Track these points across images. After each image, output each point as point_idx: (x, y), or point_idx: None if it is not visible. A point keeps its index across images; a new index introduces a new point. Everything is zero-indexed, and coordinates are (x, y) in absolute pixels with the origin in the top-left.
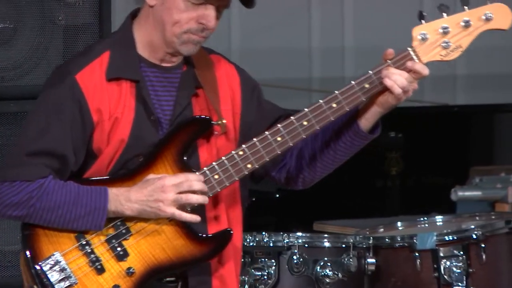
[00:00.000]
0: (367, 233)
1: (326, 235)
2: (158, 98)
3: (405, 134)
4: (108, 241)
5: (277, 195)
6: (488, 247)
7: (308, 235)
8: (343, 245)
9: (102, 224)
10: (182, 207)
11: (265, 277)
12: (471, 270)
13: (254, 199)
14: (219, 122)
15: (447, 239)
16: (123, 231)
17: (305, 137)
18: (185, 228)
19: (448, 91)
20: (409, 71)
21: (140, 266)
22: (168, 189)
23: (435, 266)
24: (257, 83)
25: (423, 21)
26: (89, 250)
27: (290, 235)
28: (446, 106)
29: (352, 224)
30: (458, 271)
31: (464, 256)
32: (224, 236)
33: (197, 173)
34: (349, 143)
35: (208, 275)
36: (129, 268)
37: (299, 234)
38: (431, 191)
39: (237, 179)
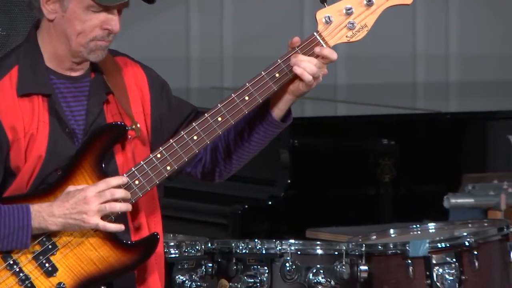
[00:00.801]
0: (360, 240)
1: (318, 243)
2: (71, 109)
3: (397, 141)
4: (36, 258)
5: (270, 202)
6: (480, 254)
7: (300, 242)
8: (336, 253)
9: (28, 242)
10: (106, 216)
11: (258, 284)
12: (463, 277)
13: (246, 206)
14: (133, 126)
15: (439, 246)
16: (49, 246)
17: (221, 133)
18: (111, 237)
19: (441, 98)
20: (317, 56)
21: (70, 280)
22: (91, 200)
23: (427, 273)
24: (165, 81)
25: (325, 4)
26: (17, 269)
27: (283, 242)
28: (439, 113)
29: (345, 231)
30: (451, 278)
31: (456, 264)
32: (152, 241)
33: (124, 175)
34: (263, 133)
35: (132, 283)
36: (59, 283)
37: (292, 241)
38: (423, 198)
39: (158, 182)
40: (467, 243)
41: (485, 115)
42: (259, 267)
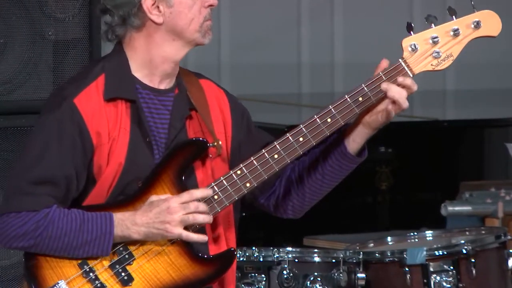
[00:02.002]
0: (357, 248)
1: (316, 250)
2: (154, 121)
3: (395, 149)
4: (112, 266)
5: None
6: (478, 262)
7: (298, 250)
8: (333, 260)
9: (109, 249)
10: (188, 227)
11: None
12: (461, 285)
13: (244, 214)
14: (215, 143)
15: (437, 254)
16: (126, 256)
17: (301, 153)
18: (188, 249)
19: (438, 106)
20: (398, 85)
21: None
22: (174, 210)
23: (425, 281)
24: (246, 109)
25: (411, 33)
26: (93, 277)
27: (280, 250)
28: (436, 121)
29: (342, 239)
30: (448, 286)
31: (454, 271)
32: (228, 256)
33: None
34: (337, 166)
35: None
36: None
37: (289, 249)
38: (421, 206)
39: (236, 198)
40: (464, 251)
41: (482, 122)
42: (256, 275)
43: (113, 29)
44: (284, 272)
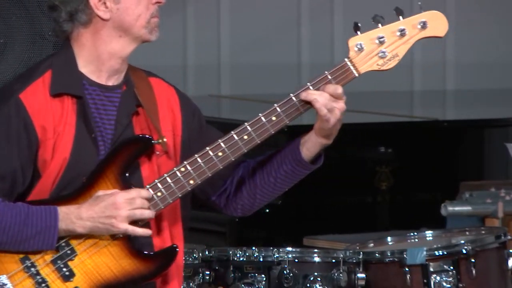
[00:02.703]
0: (357, 248)
1: (316, 250)
2: (101, 117)
3: (395, 149)
4: (53, 262)
5: (267, 210)
6: (478, 262)
7: (298, 250)
8: (333, 260)
9: (54, 243)
10: (133, 222)
11: None
12: (461, 285)
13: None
14: (160, 140)
15: (437, 254)
16: (68, 251)
17: (246, 151)
18: (130, 246)
19: (438, 106)
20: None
21: (87, 286)
22: (121, 205)
23: (425, 281)
24: (197, 107)
25: (358, 32)
26: (34, 272)
27: (280, 250)
28: (436, 121)
29: (342, 239)
30: (448, 286)
31: (454, 271)
32: (170, 253)
33: (147, 187)
34: (290, 172)
35: None
36: None
37: (289, 249)
38: (421, 206)
39: (180, 195)
40: (464, 251)
41: (482, 122)
42: (256, 275)
43: (60, 25)
44: (284, 272)
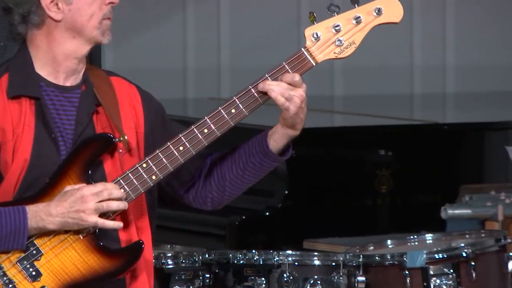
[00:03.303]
0: (357, 251)
1: (316, 253)
2: (60, 117)
3: (395, 152)
4: (20, 262)
5: (267, 213)
6: (478, 265)
7: (298, 253)
8: (333, 263)
9: (24, 242)
10: (103, 215)
11: None
12: None
13: (244, 217)
14: (121, 138)
15: (437, 257)
16: (34, 251)
17: (206, 144)
18: (96, 243)
19: (438, 109)
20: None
21: (54, 285)
22: (89, 199)
23: (425, 284)
24: (161, 104)
25: (314, 22)
26: (1, 273)
27: (280, 253)
28: (436, 124)
29: (342, 242)
30: None
31: (454, 274)
32: (136, 249)
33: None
34: (258, 164)
35: None
36: (42, 287)
37: (289, 252)
38: (421, 209)
39: (143, 191)
40: (464, 254)
41: (482, 125)
42: (256, 278)
43: (15, 28)
44: (284, 275)
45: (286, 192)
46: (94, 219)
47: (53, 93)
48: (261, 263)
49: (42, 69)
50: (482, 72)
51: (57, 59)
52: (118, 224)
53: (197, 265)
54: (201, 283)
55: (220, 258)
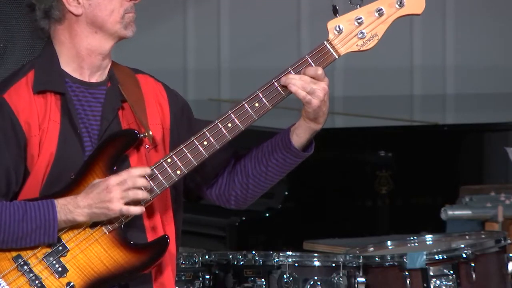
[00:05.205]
0: (357, 252)
1: (316, 254)
2: (86, 113)
3: (395, 153)
4: (46, 259)
5: (267, 214)
6: (478, 266)
7: (298, 254)
8: (333, 264)
9: (55, 235)
10: (130, 203)
11: None
12: None
13: (244, 218)
14: (146, 134)
15: (437, 258)
16: (60, 248)
17: (230, 138)
18: (121, 238)
19: (438, 110)
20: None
21: (80, 280)
22: (113, 188)
23: (425, 285)
24: (186, 102)
25: (337, 15)
26: (27, 270)
27: (280, 254)
28: (436, 125)
29: (342, 243)
30: None
31: (454, 275)
32: (161, 243)
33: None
34: (281, 160)
35: (149, 283)
36: (68, 283)
37: (289, 253)
38: (421, 210)
39: (167, 186)
40: (464, 255)
41: (482, 127)
42: (256, 279)
43: (37, 24)
44: (284, 276)
45: (286, 193)
46: (119, 207)
47: (79, 89)
48: (261, 264)
49: (67, 66)
50: (482, 73)
51: (80, 55)
52: (141, 209)
53: (197, 266)
54: (201, 284)
55: (220, 259)
